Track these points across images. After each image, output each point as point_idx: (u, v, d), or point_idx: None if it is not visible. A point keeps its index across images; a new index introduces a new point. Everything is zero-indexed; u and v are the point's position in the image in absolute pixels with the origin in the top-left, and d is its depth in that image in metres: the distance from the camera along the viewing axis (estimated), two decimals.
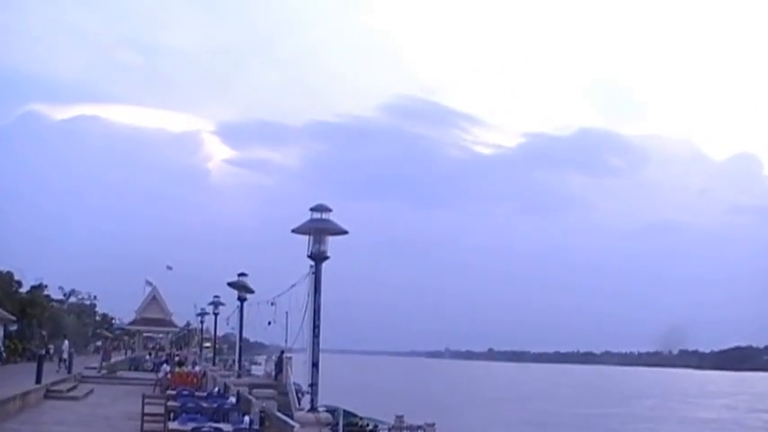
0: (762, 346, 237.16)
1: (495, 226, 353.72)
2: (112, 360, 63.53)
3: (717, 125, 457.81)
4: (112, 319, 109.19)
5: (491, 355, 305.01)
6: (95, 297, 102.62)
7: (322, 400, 14.64)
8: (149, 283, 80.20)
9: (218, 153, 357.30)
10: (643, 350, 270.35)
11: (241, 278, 34.84)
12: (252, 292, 34.83)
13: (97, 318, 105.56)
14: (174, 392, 28.92)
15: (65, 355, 51.33)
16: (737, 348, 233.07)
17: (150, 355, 73.41)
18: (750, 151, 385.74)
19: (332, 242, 19.07)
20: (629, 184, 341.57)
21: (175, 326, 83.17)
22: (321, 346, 18.41)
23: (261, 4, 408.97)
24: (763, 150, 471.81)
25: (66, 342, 53.94)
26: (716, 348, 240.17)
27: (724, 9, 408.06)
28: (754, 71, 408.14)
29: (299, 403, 35.42)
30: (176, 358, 59.47)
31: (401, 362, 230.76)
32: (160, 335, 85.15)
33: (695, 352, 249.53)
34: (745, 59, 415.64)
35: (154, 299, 79.19)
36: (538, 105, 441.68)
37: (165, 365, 49.54)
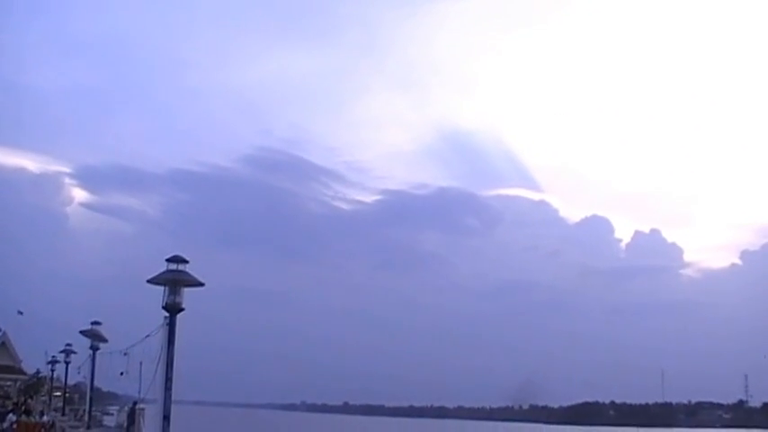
0: (608, 401, 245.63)
1: (353, 281, 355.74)
2: None
3: (572, 187, 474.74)
4: None
5: (346, 409, 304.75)
6: None
7: None
8: None
9: (76, 197, 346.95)
10: (495, 405, 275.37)
11: (94, 327, 34.66)
12: (105, 341, 34.69)
13: None
14: None
15: None
16: (585, 404, 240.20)
17: None
18: (601, 214, 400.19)
19: (190, 292, 19.52)
20: (484, 244, 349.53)
21: (24, 373, 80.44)
22: (175, 398, 18.78)
23: (128, 52, 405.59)
24: (614, 213, 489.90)
25: None
26: (564, 404, 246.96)
27: (577, 69, 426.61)
28: (610, 132, 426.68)
29: None
30: (23, 407, 57.73)
31: (255, 415, 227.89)
32: (8, 382, 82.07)
33: (545, 407, 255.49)
34: (601, 122, 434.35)
35: (2, 345, 76.56)
36: (396, 163, 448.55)
37: (11, 415, 48.08)
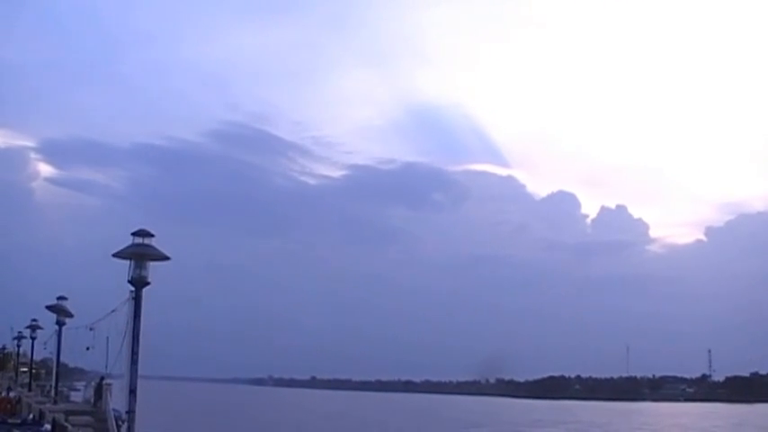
0: (573, 375, 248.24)
1: (320, 256, 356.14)
2: None
3: (539, 163, 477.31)
4: None
5: (314, 383, 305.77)
6: None
7: (141, 428, 14.99)
8: None
9: (42, 172, 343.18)
10: (461, 379, 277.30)
11: (60, 302, 34.49)
12: (71, 316, 34.53)
13: None
14: None
15: None
16: (551, 378, 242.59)
17: None
18: (568, 189, 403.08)
19: (156, 267, 19.50)
20: (451, 219, 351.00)
21: None
22: (143, 372, 18.82)
23: (93, 25, 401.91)
24: (580, 189, 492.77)
25: None
26: (530, 378, 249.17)
27: (545, 46, 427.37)
28: (577, 109, 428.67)
29: (119, 431, 35.08)
30: None
31: (222, 389, 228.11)
32: None
33: (511, 381, 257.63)
34: (568, 98, 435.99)
35: None
36: (364, 138, 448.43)
37: None
